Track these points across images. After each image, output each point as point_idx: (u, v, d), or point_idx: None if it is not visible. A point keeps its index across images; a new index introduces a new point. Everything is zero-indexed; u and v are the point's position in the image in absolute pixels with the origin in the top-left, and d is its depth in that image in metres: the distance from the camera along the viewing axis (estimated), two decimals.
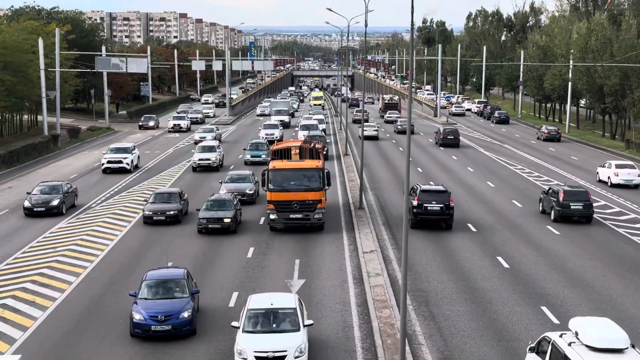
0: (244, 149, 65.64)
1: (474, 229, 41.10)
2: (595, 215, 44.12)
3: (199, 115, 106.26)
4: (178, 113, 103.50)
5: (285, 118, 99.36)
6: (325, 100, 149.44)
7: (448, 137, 79.31)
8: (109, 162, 60.07)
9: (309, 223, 38.96)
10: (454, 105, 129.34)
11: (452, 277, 32.18)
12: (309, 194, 38.59)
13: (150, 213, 41.75)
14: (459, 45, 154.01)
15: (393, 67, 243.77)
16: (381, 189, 53.14)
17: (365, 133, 75.25)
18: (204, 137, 76.17)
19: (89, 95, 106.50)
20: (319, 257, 35.12)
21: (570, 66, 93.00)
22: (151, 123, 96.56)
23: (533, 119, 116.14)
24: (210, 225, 39.09)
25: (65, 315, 27.64)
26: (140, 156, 65.15)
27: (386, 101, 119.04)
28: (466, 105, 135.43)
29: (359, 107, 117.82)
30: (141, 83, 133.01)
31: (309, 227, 39.05)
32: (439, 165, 65.06)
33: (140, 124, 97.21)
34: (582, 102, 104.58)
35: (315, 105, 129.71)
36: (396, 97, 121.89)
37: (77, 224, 42.23)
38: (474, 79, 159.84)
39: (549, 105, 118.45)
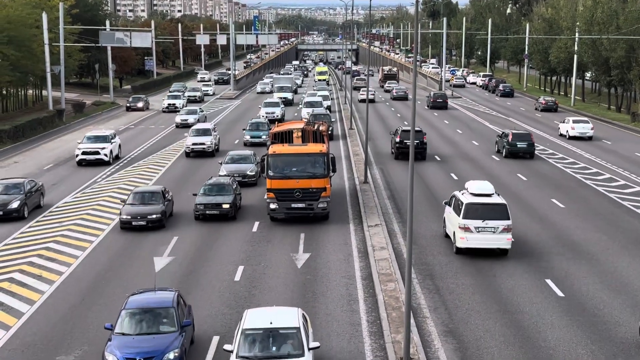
0: (243, 129, 61.62)
1: None
2: (597, 187, 44.20)
3: (197, 94, 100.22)
4: (171, 92, 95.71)
5: (288, 95, 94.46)
6: (330, 75, 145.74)
7: (437, 100, 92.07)
8: (84, 152, 52.07)
9: (313, 213, 35.98)
10: (455, 78, 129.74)
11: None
12: (312, 181, 35.55)
13: (129, 217, 35.29)
14: (464, 19, 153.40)
15: (398, 40, 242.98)
16: (386, 163, 53.14)
17: (362, 97, 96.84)
18: (186, 120, 70.78)
19: (93, 69, 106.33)
20: (323, 231, 35.21)
21: (576, 39, 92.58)
22: (140, 104, 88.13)
23: (538, 92, 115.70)
24: (207, 212, 36.64)
25: (72, 289, 27.79)
26: (144, 131, 64.96)
27: (385, 72, 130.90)
28: (470, 78, 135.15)
29: (359, 76, 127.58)
30: (145, 57, 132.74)
31: (312, 217, 36.25)
32: (442, 138, 64.89)
33: (128, 104, 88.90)
34: (588, 75, 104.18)
35: (319, 80, 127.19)
36: (394, 69, 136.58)
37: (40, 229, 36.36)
38: (479, 52, 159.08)
39: (554, 78, 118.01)
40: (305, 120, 43.78)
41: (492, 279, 28.71)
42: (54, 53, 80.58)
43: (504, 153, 56.10)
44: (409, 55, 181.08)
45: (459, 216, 30.91)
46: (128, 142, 61.59)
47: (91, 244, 33.41)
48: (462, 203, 31.07)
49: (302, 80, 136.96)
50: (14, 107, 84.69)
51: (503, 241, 30.75)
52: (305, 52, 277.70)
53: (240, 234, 34.84)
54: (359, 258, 31.20)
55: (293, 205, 35.71)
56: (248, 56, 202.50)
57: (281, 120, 72.17)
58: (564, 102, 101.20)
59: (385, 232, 34.54)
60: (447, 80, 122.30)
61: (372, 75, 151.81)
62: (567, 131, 66.95)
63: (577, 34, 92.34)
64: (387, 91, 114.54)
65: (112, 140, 54.14)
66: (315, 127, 40.74)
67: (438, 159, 54.06)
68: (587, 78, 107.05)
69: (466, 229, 30.57)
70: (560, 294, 27.19)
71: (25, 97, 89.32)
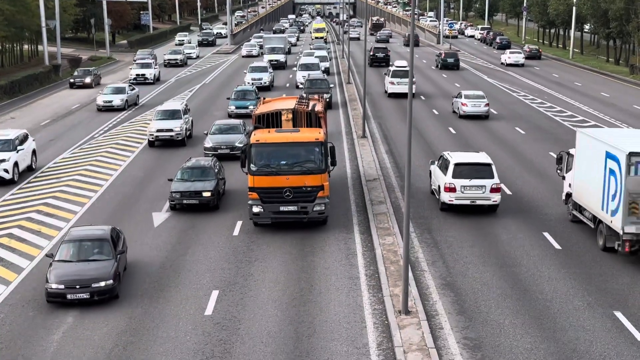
0: (228, 98, 54.03)
1: None
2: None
3: (179, 57, 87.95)
4: (136, 61, 79.09)
5: (280, 57, 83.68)
6: (328, 32, 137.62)
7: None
8: None
9: (307, 217, 28.62)
10: (447, 29, 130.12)
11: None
12: (306, 177, 28.26)
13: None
14: None
15: None
16: (384, 117, 53.03)
17: (352, 35, 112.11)
18: (110, 102, 56.09)
19: (89, 24, 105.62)
20: None
21: None
22: (87, 79, 68.52)
23: (537, 44, 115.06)
24: (185, 201, 31.28)
25: None
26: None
27: (374, 22, 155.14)
28: (468, 31, 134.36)
29: (353, 26, 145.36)
30: (141, 12, 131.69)
31: (307, 222, 29.04)
32: (443, 94, 64.67)
33: (72, 80, 69.22)
34: (587, 27, 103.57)
35: (316, 38, 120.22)
36: (382, 19, 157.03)
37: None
38: (477, 5, 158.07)
39: (552, 30, 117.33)
40: (298, 97, 35.30)
41: (489, 232, 28.82)
42: (49, 7, 79.89)
43: (438, 66, 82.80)
44: (407, 8, 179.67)
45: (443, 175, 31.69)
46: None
47: (90, 200, 33.45)
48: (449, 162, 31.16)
49: (298, 37, 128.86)
50: (10, 62, 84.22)
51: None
52: (302, 7, 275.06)
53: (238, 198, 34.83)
54: (357, 212, 31.27)
55: (282, 208, 28.34)
56: (235, 15, 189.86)
57: (269, 87, 65.41)
58: (563, 54, 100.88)
59: (384, 187, 34.58)
60: (447, 36, 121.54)
61: (361, 26, 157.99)
62: (505, 60, 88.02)
63: None
64: (372, 35, 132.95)
65: (19, 148, 37.53)
66: (310, 106, 32.45)
67: (436, 113, 53.98)
68: (586, 30, 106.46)
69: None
70: (557, 246, 27.32)
71: (21, 52, 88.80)
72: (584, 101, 60.70)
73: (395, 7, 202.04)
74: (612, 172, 26.11)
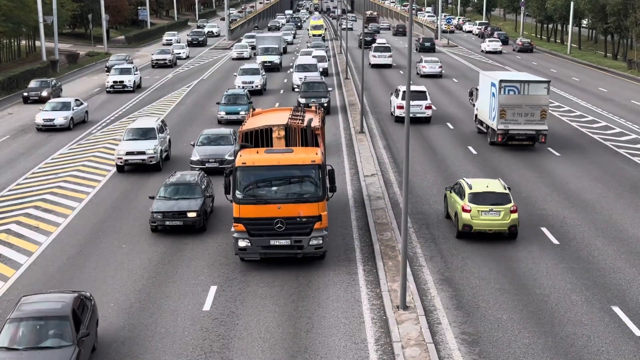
0: (217, 103, 49.71)
1: (474, 152, 41.15)
2: (593, 135, 44.31)
3: (167, 57, 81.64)
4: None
5: (274, 59, 76.52)
6: (326, 29, 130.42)
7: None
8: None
9: (302, 253, 24.70)
10: (445, 24, 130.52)
11: None
12: (300, 206, 24.37)
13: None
14: None
15: None
16: (382, 113, 53.01)
17: (344, 26, 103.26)
18: (52, 121, 47.08)
19: (86, 20, 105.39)
20: None
21: None
22: (44, 93, 57.58)
23: (534, 40, 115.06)
24: (168, 222, 27.88)
25: (69, 240, 27.89)
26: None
27: (367, 15, 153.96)
28: (466, 26, 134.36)
29: (348, 20, 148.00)
30: (139, 7, 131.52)
31: (302, 258, 25.16)
32: (439, 89, 64.66)
33: (25, 94, 58.47)
34: (584, 22, 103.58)
35: (314, 35, 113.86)
36: (375, 12, 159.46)
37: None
38: (475, 0, 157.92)
39: (550, 26, 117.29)
40: (292, 109, 30.55)
41: None
42: (46, 3, 79.75)
43: (418, 49, 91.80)
44: (404, 3, 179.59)
45: None
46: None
47: (88, 195, 33.44)
48: None
49: (295, 34, 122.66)
50: (7, 58, 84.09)
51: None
52: (300, 2, 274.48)
53: None
54: (355, 208, 31.28)
55: (273, 242, 24.50)
56: (228, 12, 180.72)
57: (262, 92, 60.48)
58: (561, 49, 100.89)
59: (382, 182, 34.58)
60: (444, 31, 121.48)
61: (356, 21, 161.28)
62: (484, 47, 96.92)
63: None
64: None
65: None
66: (306, 122, 27.39)
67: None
68: (584, 25, 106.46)
69: None
70: (555, 241, 27.34)
71: (19, 48, 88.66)
72: (581, 96, 60.69)
73: (393, 2, 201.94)
74: (493, 94, 42.05)
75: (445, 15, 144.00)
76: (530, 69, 79.95)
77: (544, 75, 73.68)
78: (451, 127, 47.56)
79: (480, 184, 28.04)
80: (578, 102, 58.05)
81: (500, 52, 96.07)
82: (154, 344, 19.91)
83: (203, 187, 29.48)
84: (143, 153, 36.49)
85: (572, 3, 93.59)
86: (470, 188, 27.62)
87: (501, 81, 40.99)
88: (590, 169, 37.87)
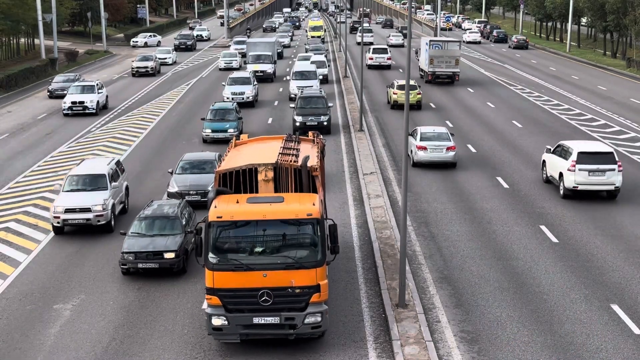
0: (202, 119, 43.47)
1: (473, 150, 41.16)
2: (592, 133, 44.35)
3: (149, 64, 72.19)
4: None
5: (268, 67, 67.28)
6: (325, 30, 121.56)
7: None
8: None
9: (294, 334, 19.11)
10: (444, 22, 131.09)
11: (451, 198, 32.35)
12: (293, 274, 18.83)
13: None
14: None
15: None
16: (381, 111, 53.01)
17: (339, 20, 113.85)
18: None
19: (85, 18, 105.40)
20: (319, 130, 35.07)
21: None
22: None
23: (534, 38, 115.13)
24: (141, 265, 23.78)
25: (68, 237, 27.88)
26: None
27: (360, 12, 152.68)
28: (465, 25, 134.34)
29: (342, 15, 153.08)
30: (138, 5, 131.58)
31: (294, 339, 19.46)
32: (438, 87, 64.68)
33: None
34: (584, 20, 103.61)
35: (313, 37, 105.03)
36: (368, 10, 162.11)
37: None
38: None
39: (550, 24, 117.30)
40: (284, 138, 24.09)
41: (486, 226, 28.84)
42: (45, 1, 79.79)
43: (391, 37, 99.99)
44: (403, 2, 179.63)
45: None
46: None
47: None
48: None
49: (292, 36, 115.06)
50: (6, 56, 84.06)
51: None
52: (299, 1, 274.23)
53: None
54: (354, 206, 31.28)
55: (257, 319, 18.90)
56: (217, 14, 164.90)
57: (253, 104, 54.01)
58: (560, 47, 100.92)
59: (381, 180, 34.59)
60: (443, 29, 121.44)
61: (351, 17, 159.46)
62: (465, 39, 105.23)
63: None
64: None
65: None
66: (301, 160, 21.30)
67: (433, 106, 54.02)
68: (583, 24, 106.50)
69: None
70: (554, 239, 27.35)
71: (18, 46, 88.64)
72: (580, 94, 60.70)
73: (392, 0, 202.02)
74: (426, 49, 64.00)
75: (444, 14, 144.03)
76: (530, 67, 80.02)
77: (543, 74, 73.82)
78: (450, 124, 47.55)
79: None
80: (577, 100, 58.06)
81: (479, 43, 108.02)
82: (153, 342, 19.91)
83: (184, 221, 25.13)
84: (88, 210, 27.40)
85: (571, 1, 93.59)
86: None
87: (430, 41, 64.41)
88: None
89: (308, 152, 22.73)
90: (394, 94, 51.66)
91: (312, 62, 65.00)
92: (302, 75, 56.78)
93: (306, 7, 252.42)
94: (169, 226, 24.83)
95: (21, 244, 27.28)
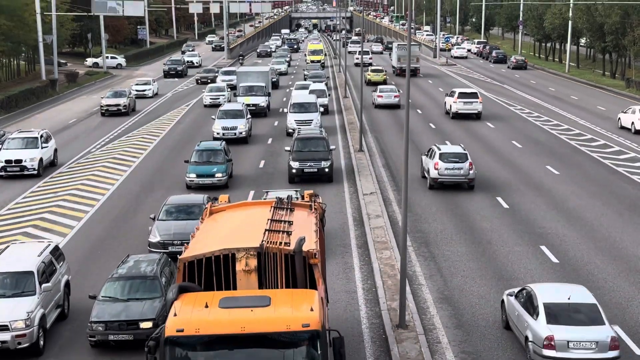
0: (186, 162, 37.96)
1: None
2: (592, 154, 44.41)
3: (122, 102, 60.80)
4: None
5: (261, 101, 59.19)
6: (325, 54, 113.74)
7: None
8: None
9: None
10: (443, 43, 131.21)
11: (452, 218, 32.32)
12: None
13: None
14: None
15: (392, 7, 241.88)
16: (381, 131, 53.06)
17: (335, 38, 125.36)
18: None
19: (85, 39, 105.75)
20: (319, 181, 35.06)
21: (571, 4, 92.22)
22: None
23: (533, 58, 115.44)
24: (112, 337, 20.06)
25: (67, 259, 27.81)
26: None
27: (356, 32, 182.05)
28: (465, 45, 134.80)
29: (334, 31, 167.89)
30: (138, 27, 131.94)
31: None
32: (439, 107, 64.76)
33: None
34: (582, 41, 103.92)
35: (312, 62, 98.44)
36: (362, 30, 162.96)
37: None
38: (474, 19, 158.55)
39: (549, 44, 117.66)
40: (273, 205, 18.52)
41: (487, 246, 28.79)
42: (46, 22, 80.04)
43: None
44: (401, 22, 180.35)
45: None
46: None
47: (86, 214, 33.39)
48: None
49: (290, 61, 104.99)
50: (7, 77, 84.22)
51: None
52: (300, 21, 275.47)
53: None
54: (354, 226, 31.25)
55: None
56: (207, 38, 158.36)
57: (246, 139, 48.29)
58: (559, 68, 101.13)
59: (381, 200, 34.56)
60: (443, 49, 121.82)
61: (348, 36, 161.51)
62: (453, 54, 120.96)
63: (571, 0, 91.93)
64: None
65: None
66: (295, 242, 15.71)
67: (433, 126, 54.10)
68: (582, 44, 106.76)
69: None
70: (554, 260, 27.29)
71: (18, 67, 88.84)
72: (580, 115, 60.77)
73: (391, 21, 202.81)
74: (395, 52, 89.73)
75: (443, 34, 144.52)
76: (529, 87, 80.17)
77: (542, 95, 73.93)
78: (448, 143, 47.55)
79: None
80: (577, 120, 58.11)
81: (465, 57, 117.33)
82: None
83: (164, 280, 21.26)
84: (5, 328, 19.63)
85: (570, 22, 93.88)
86: None
87: (398, 45, 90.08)
88: (589, 187, 37.85)
89: (304, 224, 17.69)
90: (367, 75, 64.12)
91: (311, 92, 59.26)
92: (301, 107, 51.22)
93: (306, 28, 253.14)
94: (147, 288, 20.87)
95: None
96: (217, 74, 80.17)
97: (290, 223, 17.14)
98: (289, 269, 15.85)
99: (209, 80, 78.12)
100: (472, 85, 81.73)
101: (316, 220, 18.51)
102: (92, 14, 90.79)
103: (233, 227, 17.97)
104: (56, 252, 23.20)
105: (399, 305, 21.58)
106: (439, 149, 37.10)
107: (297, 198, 25.73)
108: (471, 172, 36.56)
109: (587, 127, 55.14)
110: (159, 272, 21.44)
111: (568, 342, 18.58)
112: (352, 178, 39.18)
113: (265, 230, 16.42)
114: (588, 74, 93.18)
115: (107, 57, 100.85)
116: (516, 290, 21.35)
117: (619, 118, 54.80)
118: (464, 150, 37.64)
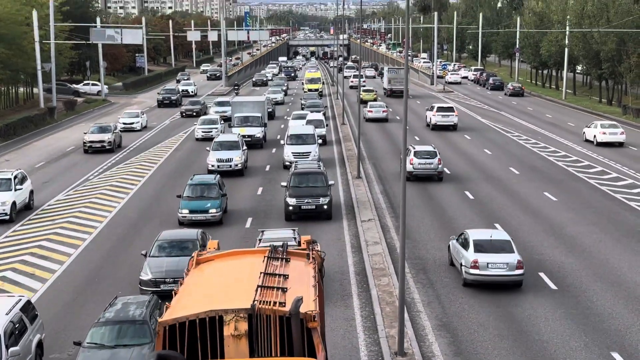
0: (178, 196, 36.08)
1: (471, 197, 41.18)
2: (589, 180, 44.44)
3: (106, 137, 56.49)
4: None
5: (257, 131, 57.50)
6: (323, 82, 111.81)
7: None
8: None
9: None
10: (440, 70, 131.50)
11: None
12: None
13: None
14: (455, 13, 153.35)
15: (389, 35, 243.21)
16: (378, 158, 53.12)
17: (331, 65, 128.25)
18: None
19: (84, 67, 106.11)
20: (317, 226, 35.08)
21: (567, 32, 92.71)
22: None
23: (530, 85, 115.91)
24: None
25: (64, 287, 27.73)
26: None
27: (352, 59, 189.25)
28: (462, 72, 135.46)
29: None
30: (136, 54, 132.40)
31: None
32: (438, 135, 64.93)
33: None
34: (579, 68, 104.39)
35: (310, 90, 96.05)
36: (358, 57, 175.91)
37: None
38: (471, 47, 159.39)
39: (545, 71, 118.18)
40: (266, 256, 16.35)
41: None
42: (44, 50, 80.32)
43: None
44: (398, 49, 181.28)
45: None
46: None
47: (84, 242, 33.33)
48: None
49: (287, 90, 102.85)
50: (5, 105, 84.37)
51: None
52: (298, 48, 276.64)
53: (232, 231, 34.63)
54: (352, 253, 31.20)
55: None
56: (201, 68, 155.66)
57: (242, 172, 46.56)
58: (556, 95, 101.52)
59: (379, 227, 34.54)
60: (440, 76, 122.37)
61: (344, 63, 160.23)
62: (447, 79, 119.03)
63: (567, 28, 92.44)
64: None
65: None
66: (292, 304, 13.79)
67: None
68: (578, 71, 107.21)
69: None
70: (553, 287, 27.24)
71: (16, 95, 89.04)
72: (577, 141, 60.90)
73: (388, 48, 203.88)
74: (386, 74, 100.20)
75: (440, 62, 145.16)
76: (526, 114, 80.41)
77: (539, 121, 74.12)
78: (447, 171, 47.64)
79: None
80: (574, 147, 58.24)
81: (459, 83, 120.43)
82: None
83: (154, 325, 19.21)
84: None
85: (566, 49, 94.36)
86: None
87: (389, 68, 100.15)
88: (587, 213, 37.86)
89: (301, 278, 15.74)
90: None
91: (309, 121, 58.16)
92: (299, 139, 49.39)
93: (304, 56, 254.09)
94: (136, 333, 19.33)
95: (17, 292, 27.00)
96: (202, 106, 77.51)
97: (285, 277, 15.14)
98: (284, 333, 13.99)
99: (194, 114, 75.38)
100: (470, 111, 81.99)
101: (314, 272, 16.34)
102: (90, 42, 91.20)
103: (221, 283, 15.83)
104: (28, 308, 20.98)
105: (397, 332, 21.50)
106: (414, 148, 44.99)
107: (295, 238, 25.70)
108: (440, 166, 44.57)
109: (584, 153, 55.21)
110: (149, 316, 19.90)
111: (488, 263, 26.32)
112: (350, 205, 39.18)
113: (258, 286, 14.40)
114: (585, 101, 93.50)
115: (87, 84, 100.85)
116: (456, 235, 29.00)
117: (584, 132, 61.69)
118: (434, 149, 45.59)
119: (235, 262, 17.09)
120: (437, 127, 66.76)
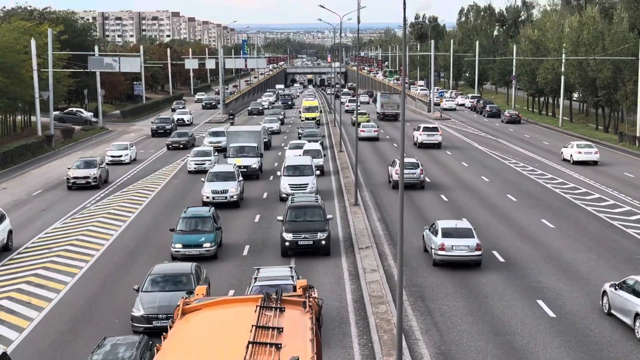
0: (171, 230, 34.77)
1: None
2: (586, 207, 44.46)
3: (91, 173, 52.76)
4: None
5: (253, 162, 55.52)
6: (321, 111, 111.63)
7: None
8: None
9: None
10: (437, 97, 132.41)
11: (448, 272, 32.23)
12: None
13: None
14: (452, 41, 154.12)
15: (386, 63, 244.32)
16: (376, 186, 53.17)
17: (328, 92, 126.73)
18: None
19: (82, 95, 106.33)
20: (314, 254, 35.01)
21: (563, 60, 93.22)
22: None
23: (526, 113, 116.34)
24: None
25: (60, 316, 27.61)
26: None
27: (348, 86, 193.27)
28: (459, 100, 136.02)
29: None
30: (134, 82, 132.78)
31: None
32: (434, 161, 65.05)
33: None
34: (575, 95, 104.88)
35: (307, 119, 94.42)
36: (354, 84, 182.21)
37: None
38: (467, 74, 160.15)
39: (542, 99, 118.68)
40: (259, 305, 14.79)
41: (483, 300, 28.68)
42: (42, 79, 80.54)
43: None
44: (395, 76, 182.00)
45: None
46: None
47: (81, 270, 33.24)
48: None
49: (283, 119, 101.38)
50: (3, 133, 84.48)
51: None
52: (295, 76, 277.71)
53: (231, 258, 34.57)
54: (350, 281, 31.13)
55: None
56: (196, 95, 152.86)
57: (238, 203, 45.30)
58: (552, 122, 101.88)
59: (376, 255, 34.49)
60: (437, 104, 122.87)
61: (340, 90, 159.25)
62: (443, 105, 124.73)
63: (563, 55, 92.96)
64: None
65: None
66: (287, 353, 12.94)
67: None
68: (575, 99, 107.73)
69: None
70: (551, 314, 27.17)
71: (14, 123, 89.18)
72: (574, 169, 61.01)
73: (385, 76, 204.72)
74: (379, 98, 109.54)
75: (437, 89, 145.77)
76: (523, 141, 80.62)
77: (536, 148, 74.31)
78: (445, 198, 47.66)
79: None
80: (571, 174, 58.33)
81: (454, 109, 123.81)
82: None
83: None
84: None
85: (562, 77, 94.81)
86: None
87: (382, 93, 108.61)
88: (584, 240, 37.85)
89: (297, 331, 14.28)
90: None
91: (306, 152, 56.92)
92: (296, 170, 47.82)
93: (301, 83, 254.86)
94: None
95: (13, 321, 26.92)
96: (190, 138, 74.71)
97: (280, 330, 13.68)
98: None
99: (181, 146, 72.48)
100: (466, 138, 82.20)
101: (311, 323, 14.73)
102: (88, 70, 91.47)
103: (208, 338, 14.23)
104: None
105: None
106: (399, 160, 44.64)
107: (292, 276, 25.35)
108: (422, 176, 50.60)
109: (581, 180, 55.29)
110: (139, 358, 18.76)
111: (452, 246, 32.04)
112: (348, 232, 39.14)
113: (249, 343, 12.96)
114: (581, 128, 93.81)
115: (72, 111, 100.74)
116: (428, 226, 34.52)
117: (562, 152, 66.09)
118: (417, 160, 51.58)
119: (224, 312, 15.54)
120: (423, 145, 72.84)
